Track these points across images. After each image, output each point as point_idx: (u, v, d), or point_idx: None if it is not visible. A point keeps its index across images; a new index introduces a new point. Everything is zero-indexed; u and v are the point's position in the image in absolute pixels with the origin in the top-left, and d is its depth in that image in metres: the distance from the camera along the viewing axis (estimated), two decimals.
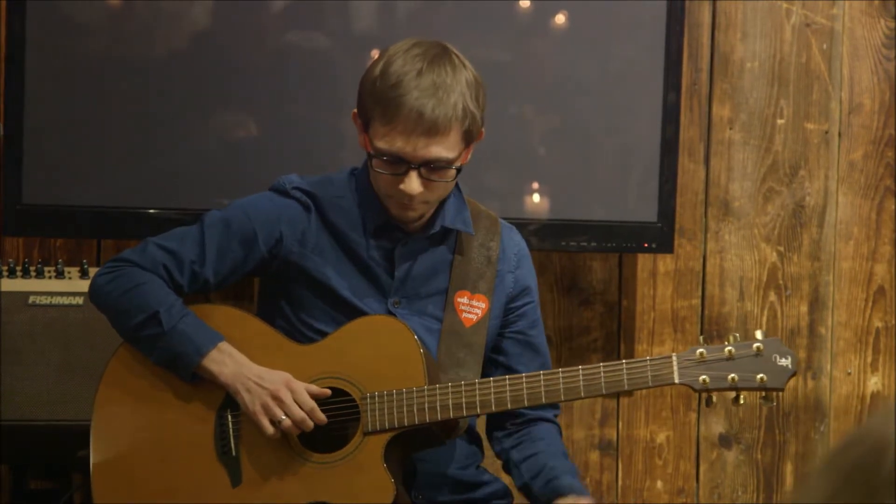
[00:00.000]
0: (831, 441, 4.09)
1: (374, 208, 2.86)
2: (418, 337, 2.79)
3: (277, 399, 2.75)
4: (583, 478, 4.00)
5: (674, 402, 4.02)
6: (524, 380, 2.77)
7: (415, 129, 2.72)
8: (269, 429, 2.75)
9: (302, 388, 2.76)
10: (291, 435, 2.77)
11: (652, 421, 4.03)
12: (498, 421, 2.98)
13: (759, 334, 2.74)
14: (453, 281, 2.90)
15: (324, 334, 2.84)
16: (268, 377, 2.77)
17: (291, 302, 2.88)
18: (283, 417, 2.75)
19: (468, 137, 2.79)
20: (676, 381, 2.73)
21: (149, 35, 3.63)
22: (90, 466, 2.85)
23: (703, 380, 2.72)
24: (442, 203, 2.88)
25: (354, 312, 2.84)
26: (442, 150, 2.74)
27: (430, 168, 2.75)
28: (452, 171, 2.78)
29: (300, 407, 2.75)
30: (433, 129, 2.72)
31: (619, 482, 4.04)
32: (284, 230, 2.86)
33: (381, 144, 2.75)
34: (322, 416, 2.76)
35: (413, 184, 2.75)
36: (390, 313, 2.86)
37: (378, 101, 2.75)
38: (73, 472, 3.63)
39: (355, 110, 2.85)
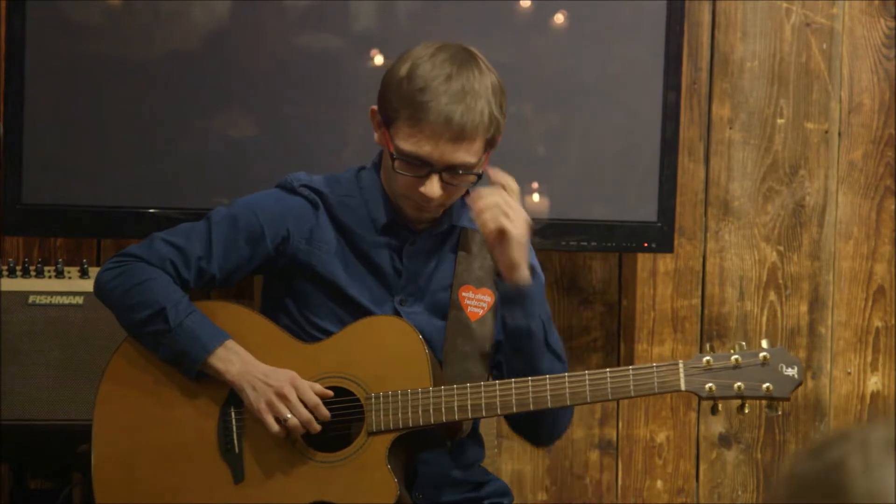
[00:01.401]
0: None
1: (381, 206, 2.86)
2: (425, 333, 2.80)
3: (283, 397, 2.75)
4: (581, 476, 4.01)
5: (674, 401, 4.02)
6: (530, 383, 2.76)
7: (442, 134, 2.71)
8: (274, 426, 2.75)
9: (307, 386, 2.76)
10: (295, 434, 2.77)
11: (652, 420, 4.03)
12: None
13: (765, 343, 2.74)
14: (458, 276, 2.90)
15: (328, 333, 2.84)
16: (273, 375, 2.77)
17: (297, 300, 2.88)
18: (289, 416, 2.74)
19: (490, 144, 2.78)
20: (683, 388, 2.73)
21: (149, 35, 3.63)
22: (91, 462, 2.85)
23: (710, 388, 2.72)
24: None
25: (360, 310, 2.84)
26: (466, 155, 2.73)
27: (452, 173, 2.75)
28: (472, 177, 2.78)
29: (305, 405, 2.75)
30: (461, 135, 2.71)
31: (619, 482, 4.04)
32: (292, 228, 2.86)
33: (405, 146, 2.74)
34: (326, 412, 2.76)
35: (434, 187, 2.74)
36: (396, 312, 2.86)
37: (405, 103, 2.73)
38: (72, 471, 3.63)
39: (374, 107, 2.83)
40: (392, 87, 2.77)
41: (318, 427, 2.75)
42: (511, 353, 2.84)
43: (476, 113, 2.71)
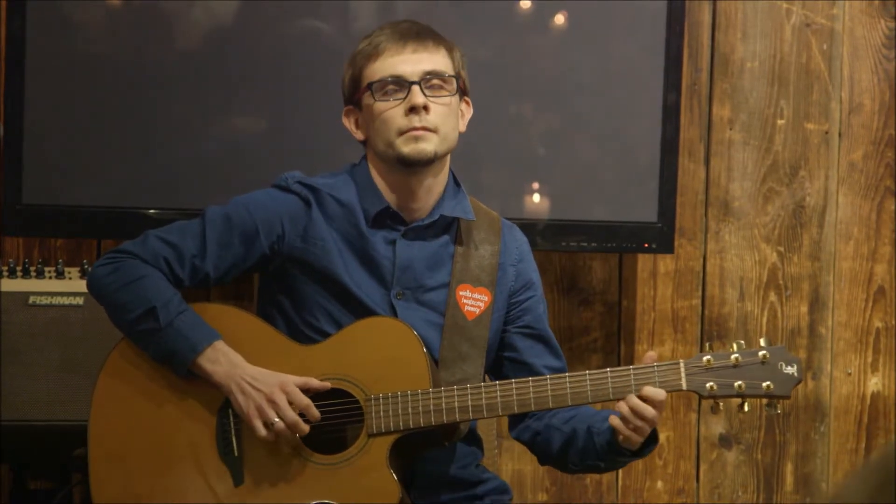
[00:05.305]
0: (831, 441, 4.09)
1: (374, 197, 2.87)
2: (421, 331, 2.79)
3: (272, 401, 2.73)
4: (581, 476, 4.01)
5: (674, 402, 4.02)
6: (531, 384, 2.76)
7: (403, 49, 2.83)
8: (262, 431, 2.73)
9: (297, 389, 2.74)
10: (289, 436, 2.76)
11: None
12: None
13: (763, 342, 2.75)
14: (455, 274, 2.90)
15: (325, 334, 2.82)
16: (262, 379, 2.75)
17: (293, 300, 2.87)
18: (277, 420, 2.73)
19: (458, 68, 2.87)
20: (684, 387, 2.73)
21: (149, 35, 3.63)
22: (88, 463, 2.83)
23: (711, 387, 2.72)
24: (441, 195, 2.88)
25: (357, 305, 2.83)
26: (434, 62, 2.83)
27: (430, 84, 2.82)
28: (453, 89, 2.84)
29: (295, 407, 2.74)
30: (421, 44, 2.83)
31: (619, 482, 4.04)
32: (286, 226, 2.86)
33: (376, 76, 2.84)
34: (316, 413, 2.74)
35: (418, 96, 2.80)
36: (392, 306, 2.85)
37: (362, 55, 2.86)
38: (72, 471, 3.63)
39: (345, 108, 2.93)
40: (348, 69, 2.90)
41: (305, 428, 2.74)
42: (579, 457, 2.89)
43: (428, 28, 2.86)
